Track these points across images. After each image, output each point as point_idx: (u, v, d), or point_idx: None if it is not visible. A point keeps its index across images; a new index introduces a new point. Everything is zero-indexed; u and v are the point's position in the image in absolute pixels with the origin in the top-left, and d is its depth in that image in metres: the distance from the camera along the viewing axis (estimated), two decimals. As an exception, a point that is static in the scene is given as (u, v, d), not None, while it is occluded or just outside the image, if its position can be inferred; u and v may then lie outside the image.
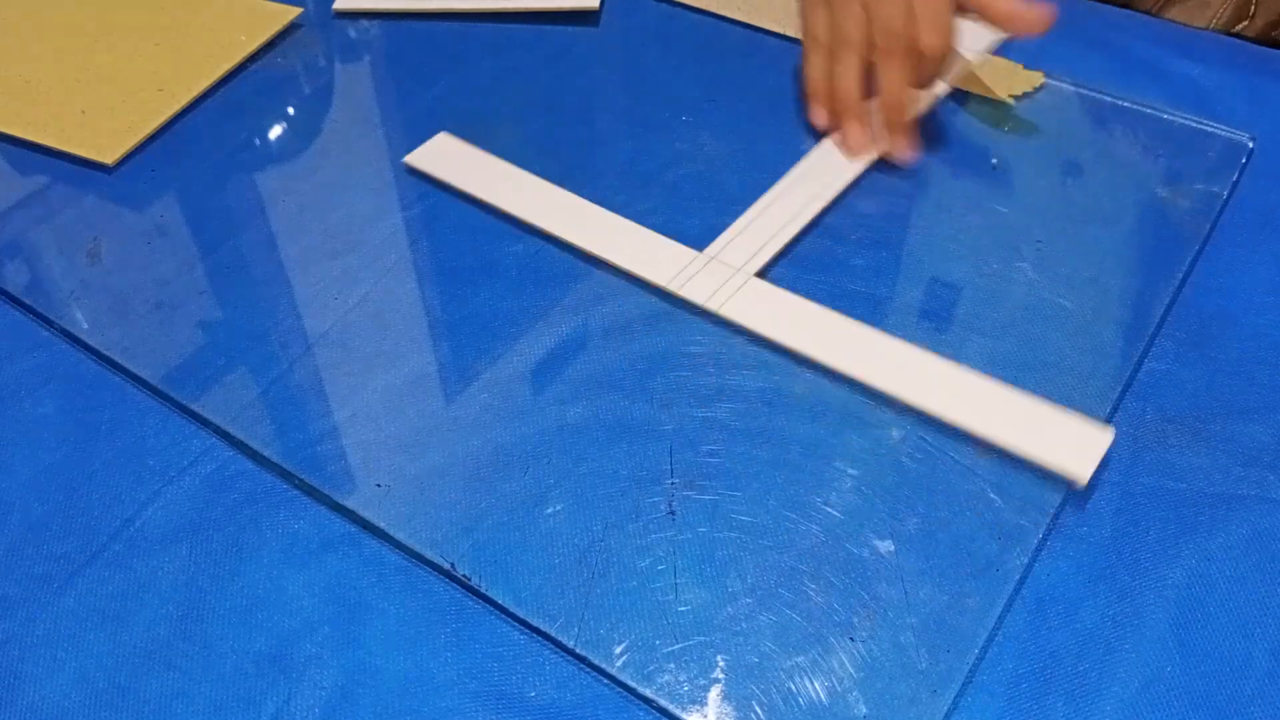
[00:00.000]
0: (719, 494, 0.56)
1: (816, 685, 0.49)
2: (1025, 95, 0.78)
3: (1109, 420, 0.58)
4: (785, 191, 0.70)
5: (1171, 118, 0.75)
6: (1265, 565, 0.52)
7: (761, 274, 0.66)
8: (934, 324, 0.63)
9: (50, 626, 0.53)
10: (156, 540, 0.56)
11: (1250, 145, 0.73)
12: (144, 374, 0.63)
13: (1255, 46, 0.82)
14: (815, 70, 0.75)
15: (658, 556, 0.53)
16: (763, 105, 0.79)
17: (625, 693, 0.49)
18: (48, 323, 0.67)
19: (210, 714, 0.49)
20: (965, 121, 0.77)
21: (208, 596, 0.53)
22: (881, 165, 0.73)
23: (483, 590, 0.52)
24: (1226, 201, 0.69)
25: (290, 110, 0.82)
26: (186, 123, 0.81)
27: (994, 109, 0.77)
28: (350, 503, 0.56)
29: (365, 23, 0.90)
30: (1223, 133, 0.74)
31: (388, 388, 0.62)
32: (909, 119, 0.72)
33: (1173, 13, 0.87)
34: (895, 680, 0.49)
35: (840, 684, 0.49)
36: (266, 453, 0.59)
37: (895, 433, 0.58)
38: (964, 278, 0.66)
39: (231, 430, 0.60)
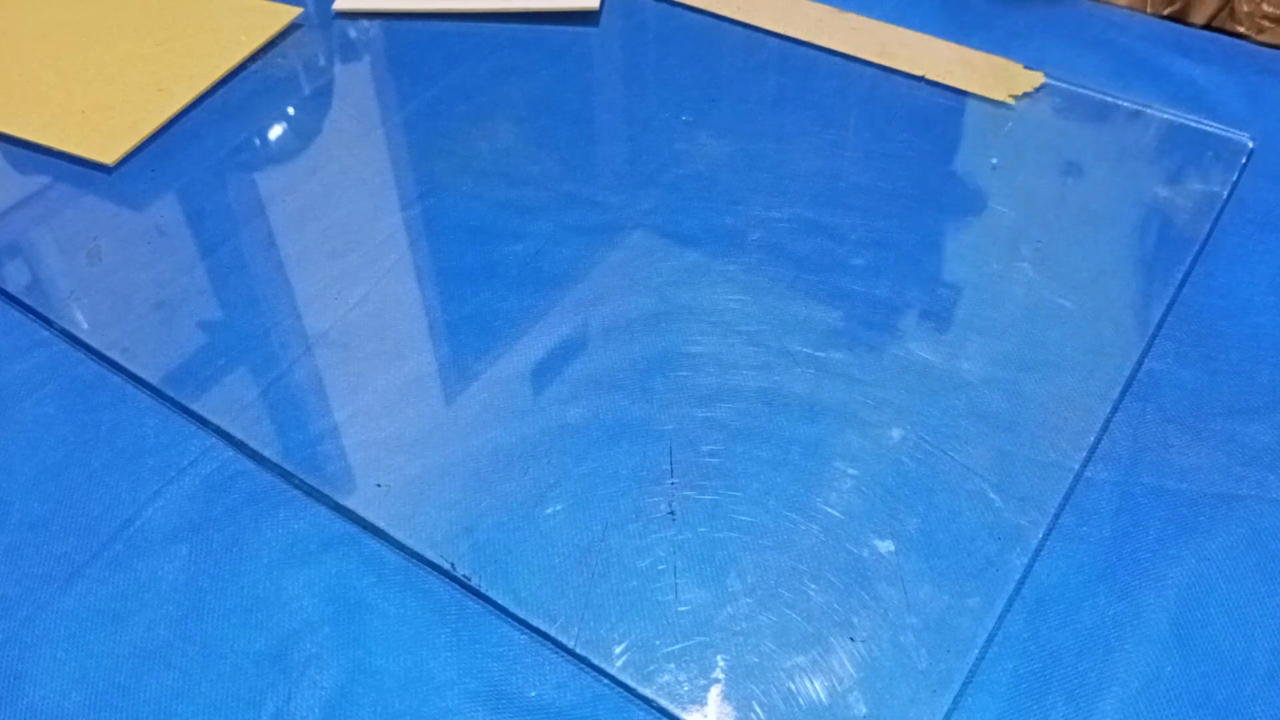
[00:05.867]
0: (719, 494, 0.56)
1: (816, 685, 0.49)
2: (1025, 95, 0.78)
3: (1109, 421, 0.58)
4: None
5: (1171, 118, 0.75)
6: (1265, 565, 0.52)
7: None
8: (934, 324, 0.63)
9: (50, 626, 0.53)
10: (156, 540, 0.56)
11: (1250, 145, 0.73)
12: (144, 374, 0.63)
13: (1255, 46, 0.82)
14: None
15: (658, 556, 0.53)
16: (763, 105, 0.79)
17: (625, 693, 0.49)
18: (48, 323, 0.67)
19: (210, 713, 0.49)
20: (965, 121, 0.77)
21: (208, 596, 0.53)
22: (883, 165, 0.73)
23: (483, 590, 0.52)
24: (1226, 201, 0.69)
25: (290, 110, 0.82)
26: (186, 123, 0.81)
27: (994, 109, 0.77)
28: (350, 503, 0.56)
29: (365, 23, 0.90)
30: (1222, 133, 0.74)
31: (388, 388, 0.62)
32: None
33: None
34: (895, 680, 0.49)
35: (840, 684, 0.49)
36: (266, 453, 0.59)
37: (895, 433, 0.58)
38: (964, 278, 0.66)
39: (231, 430, 0.60)
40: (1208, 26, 0.85)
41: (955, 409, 0.59)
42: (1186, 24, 0.86)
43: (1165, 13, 0.86)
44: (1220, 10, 0.84)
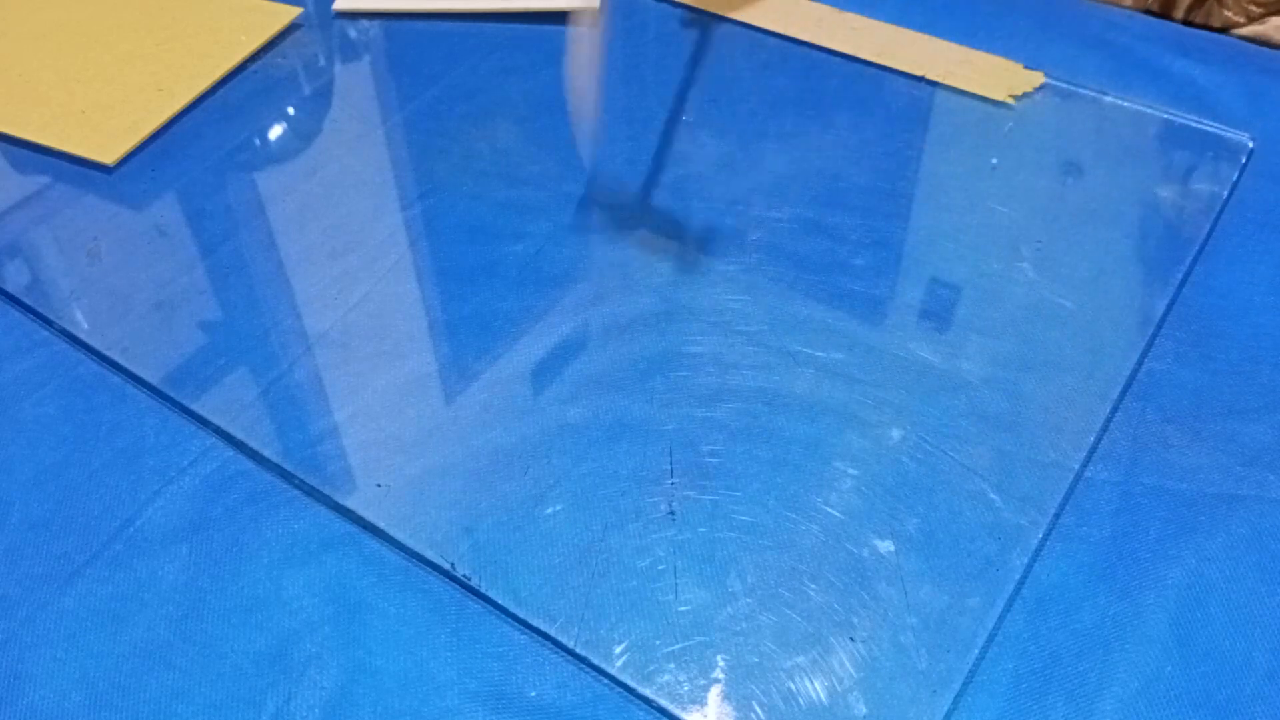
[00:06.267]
0: (719, 494, 0.56)
1: (816, 685, 0.49)
2: (1025, 95, 0.78)
3: (1109, 421, 0.58)
4: None
5: (1171, 118, 0.75)
6: (1265, 565, 0.52)
7: None
8: (934, 324, 0.63)
9: (50, 626, 0.53)
10: (156, 540, 0.56)
11: (1250, 145, 0.73)
12: (144, 374, 0.63)
13: (1255, 46, 0.82)
14: None
15: (658, 556, 0.53)
16: (763, 105, 0.79)
17: (625, 693, 0.49)
18: (48, 323, 0.67)
19: (210, 713, 0.49)
20: (965, 121, 0.77)
21: (208, 596, 0.53)
22: (883, 165, 0.73)
23: (483, 590, 0.52)
24: (1226, 201, 0.69)
25: (290, 110, 0.82)
26: (186, 123, 0.81)
27: (994, 109, 0.77)
28: (350, 503, 0.56)
29: (365, 23, 0.90)
30: (1223, 133, 0.74)
31: (388, 388, 0.62)
32: None
33: None
34: (895, 680, 0.49)
35: (840, 684, 0.49)
36: (266, 453, 0.59)
37: (895, 433, 0.58)
38: (964, 278, 0.66)
39: (231, 430, 0.60)
40: (1191, 17, 0.85)
41: (955, 409, 0.59)
42: (1171, 17, 0.86)
43: (1148, 3, 0.86)
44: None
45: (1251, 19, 0.83)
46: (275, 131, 0.81)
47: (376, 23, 0.90)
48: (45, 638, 0.52)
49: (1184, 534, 0.53)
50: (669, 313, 0.65)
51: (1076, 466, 0.56)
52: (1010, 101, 0.77)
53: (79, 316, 0.67)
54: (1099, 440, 0.57)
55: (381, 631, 0.52)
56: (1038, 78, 0.79)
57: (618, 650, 0.50)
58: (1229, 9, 0.83)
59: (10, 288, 0.69)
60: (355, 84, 0.85)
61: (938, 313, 0.64)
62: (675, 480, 0.56)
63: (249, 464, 0.59)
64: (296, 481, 0.58)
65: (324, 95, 0.84)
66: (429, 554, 0.54)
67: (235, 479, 0.58)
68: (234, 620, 0.52)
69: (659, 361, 0.62)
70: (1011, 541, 0.53)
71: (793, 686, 0.49)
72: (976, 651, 0.49)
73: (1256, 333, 0.62)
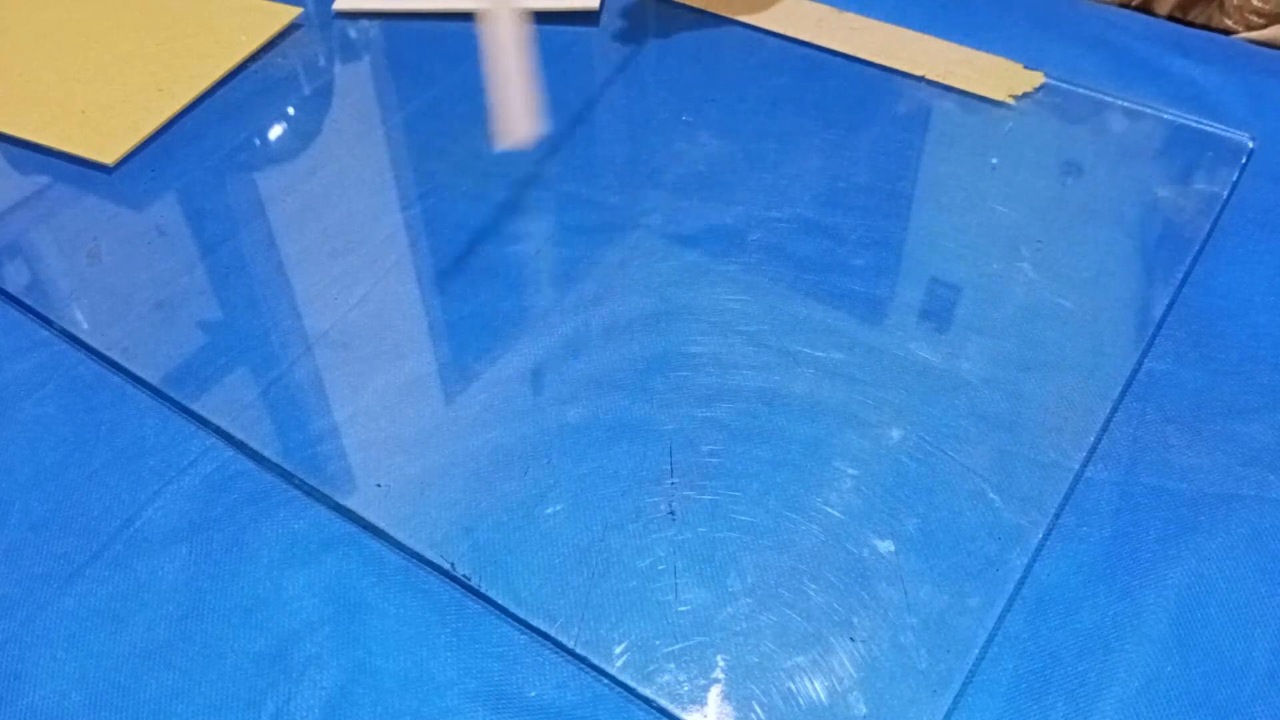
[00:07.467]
0: (719, 494, 0.56)
1: (816, 685, 0.49)
2: (1025, 95, 0.78)
3: (1109, 421, 0.58)
4: None
5: (1171, 118, 0.75)
6: (1265, 565, 0.52)
7: None
8: (934, 324, 0.63)
9: (50, 626, 0.53)
10: (156, 540, 0.56)
11: (1250, 145, 0.73)
12: (144, 374, 0.63)
13: (1255, 47, 0.82)
14: None
15: (658, 556, 0.53)
16: (763, 105, 0.79)
17: (625, 693, 0.49)
18: (48, 323, 0.67)
19: (210, 714, 0.49)
20: (965, 121, 0.77)
21: (208, 596, 0.53)
22: (883, 165, 0.73)
23: (483, 590, 0.52)
24: (1226, 201, 0.69)
25: (290, 110, 0.82)
26: (186, 123, 0.81)
27: (994, 109, 0.77)
28: (350, 503, 0.56)
29: (365, 23, 0.90)
30: (1223, 133, 0.74)
31: (388, 388, 0.62)
32: None
33: None
34: (895, 680, 0.49)
35: (840, 684, 0.49)
36: (266, 453, 0.59)
37: (895, 433, 0.58)
38: (964, 278, 0.66)
39: (231, 430, 0.60)
40: (1188, 21, 0.85)
41: (955, 409, 0.59)
42: (1152, 14, 0.86)
43: (1134, 3, 0.86)
44: (1202, 1, 0.84)
45: (1251, 28, 0.84)
46: (275, 131, 0.81)
47: (376, 23, 0.90)
48: (45, 638, 0.52)
49: (1184, 534, 0.53)
50: (669, 313, 0.65)
51: (1076, 466, 0.56)
52: (1010, 101, 0.77)
53: (79, 316, 0.67)
54: (1099, 440, 0.57)
55: (381, 631, 0.52)
56: (1038, 78, 0.79)
57: (618, 650, 0.50)
58: (1230, 17, 0.83)
59: (10, 288, 0.69)
60: (355, 84, 0.85)
61: (938, 313, 0.64)
62: (675, 480, 0.56)
63: (249, 464, 0.59)
64: (296, 481, 0.58)
65: (324, 95, 0.84)
66: (429, 554, 0.54)
67: (235, 479, 0.58)
68: (234, 620, 0.52)
69: (659, 361, 0.62)
70: (1011, 541, 0.53)
71: (793, 686, 0.49)
72: (976, 651, 0.49)
73: (1256, 333, 0.62)
